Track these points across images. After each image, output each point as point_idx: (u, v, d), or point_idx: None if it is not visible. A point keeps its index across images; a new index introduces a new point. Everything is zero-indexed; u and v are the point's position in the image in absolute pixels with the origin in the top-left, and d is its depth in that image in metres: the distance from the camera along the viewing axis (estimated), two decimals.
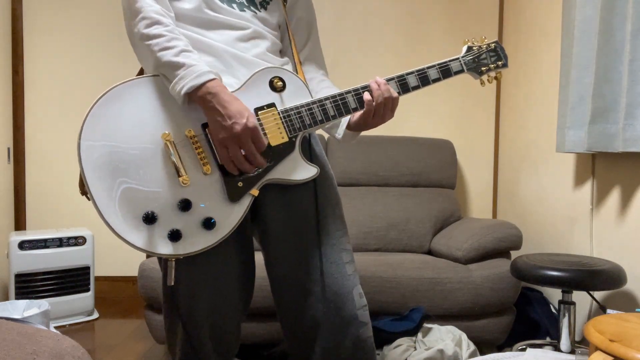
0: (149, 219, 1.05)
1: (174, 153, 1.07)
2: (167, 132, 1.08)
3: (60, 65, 2.91)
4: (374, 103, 1.17)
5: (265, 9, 1.27)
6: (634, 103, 1.65)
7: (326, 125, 1.27)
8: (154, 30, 1.07)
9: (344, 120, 1.29)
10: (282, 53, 1.32)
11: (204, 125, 1.10)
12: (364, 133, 2.86)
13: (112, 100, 1.07)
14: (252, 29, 1.21)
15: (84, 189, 1.07)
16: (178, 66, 1.06)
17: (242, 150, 1.08)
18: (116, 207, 1.04)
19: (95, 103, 1.06)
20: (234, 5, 1.21)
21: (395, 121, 2.97)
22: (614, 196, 1.91)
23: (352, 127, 1.28)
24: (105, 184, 1.04)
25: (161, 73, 1.09)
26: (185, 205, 1.07)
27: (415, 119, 2.98)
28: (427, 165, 2.64)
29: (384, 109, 1.19)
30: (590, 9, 1.86)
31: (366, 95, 1.18)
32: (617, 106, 1.77)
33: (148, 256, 2.04)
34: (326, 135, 2.78)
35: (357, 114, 1.23)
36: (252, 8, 1.24)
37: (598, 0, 1.80)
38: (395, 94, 1.19)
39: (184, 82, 1.05)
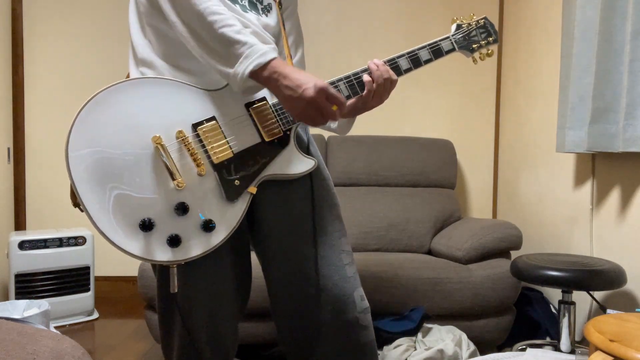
0: (146, 226, 1.02)
1: (166, 156, 1.04)
2: (157, 135, 1.04)
3: (60, 65, 2.91)
4: (374, 84, 1.16)
5: (267, 15, 1.26)
6: (634, 103, 1.65)
7: None
8: (214, 6, 1.04)
9: None
10: None
11: (195, 125, 1.08)
12: (364, 133, 2.87)
13: (98, 106, 1.03)
14: (252, 30, 1.19)
15: (76, 201, 1.03)
16: (241, 44, 1.03)
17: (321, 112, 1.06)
18: (110, 216, 1.01)
19: (81, 110, 1.02)
20: (237, 7, 1.20)
21: (395, 121, 2.97)
22: (614, 196, 1.91)
23: (346, 114, 1.26)
24: (97, 193, 1.01)
25: (212, 55, 1.05)
26: (182, 209, 1.04)
27: (415, 119, 2.98)
28: (427, 165, 2.64)
29: (382, 90, 1.18)
30: (590, 9, 1.86)
31: (366, 77, 1.16)
32: (617, 106, 1.77)
33: None
34: (326, 136, 2.78)
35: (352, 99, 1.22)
36: (254, 12, 1.23)
37: (598, 1, 1.80)
38: (394, 76, 1.18)
39: (249, 61, 1.02)
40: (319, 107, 1.04)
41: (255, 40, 1.04)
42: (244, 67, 1.02)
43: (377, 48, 2.96)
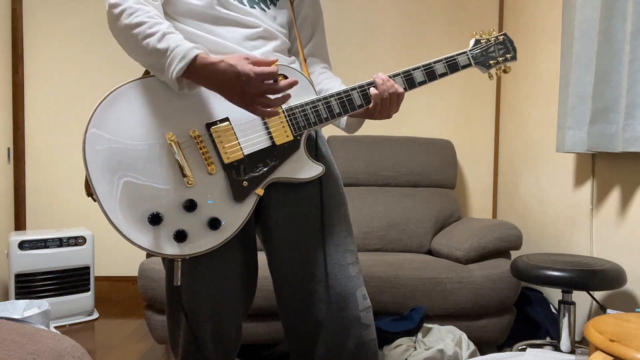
0: (155, 219, 1.05)
1: (179, 153, 1.07)
2: (171, 133, 1.08)
3: (60, 65, 2.91)
4: (379, 97, 1.17)
5: (275, 5, 1.26)
6: (634, 103, 1.65)
7: (331, 123, 1.27)
8: (135, 19, 1.05)
9: None
10: (290, 52, 1.32)
11: (208, 125, 1.10)
12: (364, 133, 2.87)
13: (116, 101, 1.07)
14: (262, 27, 1.21)
15: (89, 190, 1.07)
16: (162, 52, 1.03)
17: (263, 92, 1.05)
18: (121, 208, 1.04)
19: (100, 104, 1.06)
20: (244, 1, 1.21)
21: (395, 121, 2.97)
22: (614, 196, 1.91)
23: (354, 115, 1.26)
24: (110, 184, 1.04)
25: (148, 66, 1.07)
26: (190, 206, 1.07)
27: (415, 118, 2.98)
28: (427, 165, 2.64)
29: (389, 104, 1.18)
30: (590, 9, 1.86)
31: (372, 90, 1.17)
32: (617, 106, 1.77)
33: (149, 255, 2.03)
34: (326, 135, 2.78)
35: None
36: (261, 5, 1.23)
37: (598, 1, 1.80)
38: (400, 90, 1.19)
39: (172, 68, 1.03)
40: (258, 87, 1.03)
41: (175, 42, 1.04)
42: (169, 73, 1.03)
43: (377, 48, 2.96)
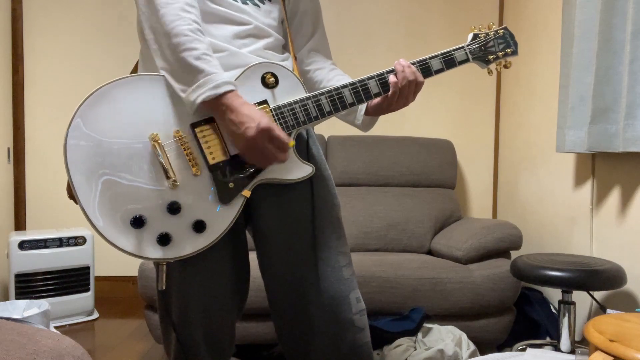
0: (137, 222, 1.03)
1: (162, 154, 1.04)
2: (154, 133, 1.05)
3: (60, 65, 2.91)
4: (399, 85, 1.15)
5: (270, 1, 1.23)
6: (634, 103, 1.65)
7: (322, 121, 1.25)
8: (180, 27, 1.03)
9: (362, 106, 1.25)
10: (284, 49, 1.29)
11: (193, 125, 1.07)
12: (364, 133, 2.87)
13: (99, 101, 1.04)
14: (253, 25, 1.18)
15: (71, 193, 1.04)
16: (197, 71, 1.02)
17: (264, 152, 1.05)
18: (103, 210, 1.02)
19: (83, 102, 1.03)
20: None
21: (395, 121, 2.97)
22: (614, 196, 1.91)
23: (371, 112, 1.24)
24: (92, 186, 1.02)
25: (172, 74, 1.05)
26: (174, 208, 1.05)
27: (415, 118, 2.98)
28: (427, 165, 2.64)
29: (407, 92, 1.16)
30: (590, 9, 1.86)
31: (392, 78, 1.15)
32: (617, 106, 1.77)
33: None
34: (326, 135, 2.78)
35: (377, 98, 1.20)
36: (255, 1, 1.20)
37: (598, 1, 1.80)
38: (420, 78, 1.16)
39: (201, 91, 1.01)
40: (259, 148, 1.03)
41: (213, 67, 1.03)
42: (195, 95, 1.02)
43: (377, 48, 2.96)
